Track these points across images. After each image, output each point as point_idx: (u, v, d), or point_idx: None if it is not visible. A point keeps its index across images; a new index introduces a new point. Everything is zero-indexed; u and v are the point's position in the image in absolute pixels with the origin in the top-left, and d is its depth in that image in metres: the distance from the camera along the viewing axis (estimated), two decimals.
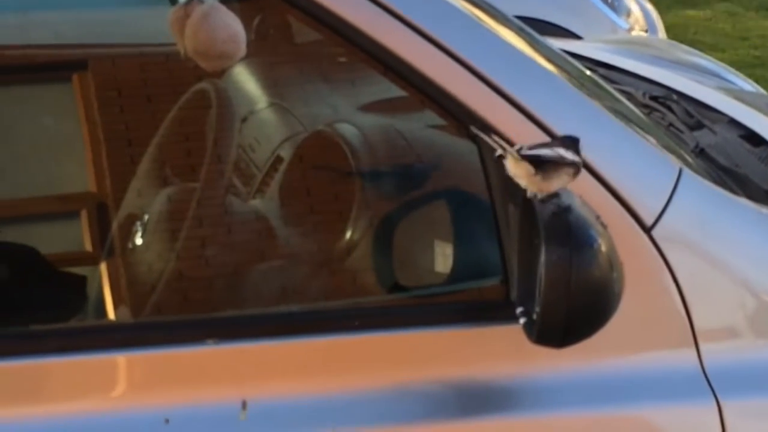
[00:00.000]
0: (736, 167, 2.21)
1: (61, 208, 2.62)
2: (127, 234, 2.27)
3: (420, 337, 1.84)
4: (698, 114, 2.51)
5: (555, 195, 1.67)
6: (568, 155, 1.68)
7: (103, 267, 2.31)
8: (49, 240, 2.59)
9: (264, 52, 2.46)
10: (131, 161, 2.36)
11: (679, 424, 1.88)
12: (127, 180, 2.36)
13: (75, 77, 2.61)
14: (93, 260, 2.43)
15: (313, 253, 2.16)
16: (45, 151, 2.65)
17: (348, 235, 2.10)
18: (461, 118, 1.85)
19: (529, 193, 1.68)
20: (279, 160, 2.27)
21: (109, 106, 2.49)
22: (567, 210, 1.65)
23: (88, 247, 2.56)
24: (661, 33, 5.80)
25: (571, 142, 1.70)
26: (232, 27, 2.04)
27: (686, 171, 1.95)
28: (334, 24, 1.83)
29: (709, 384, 1.86)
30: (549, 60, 2.06)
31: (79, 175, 2.58)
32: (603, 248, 1.65)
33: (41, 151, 2.65)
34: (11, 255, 2.34)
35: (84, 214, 2.59)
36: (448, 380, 1.82)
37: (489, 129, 1.82)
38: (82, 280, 2.34)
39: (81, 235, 2.58)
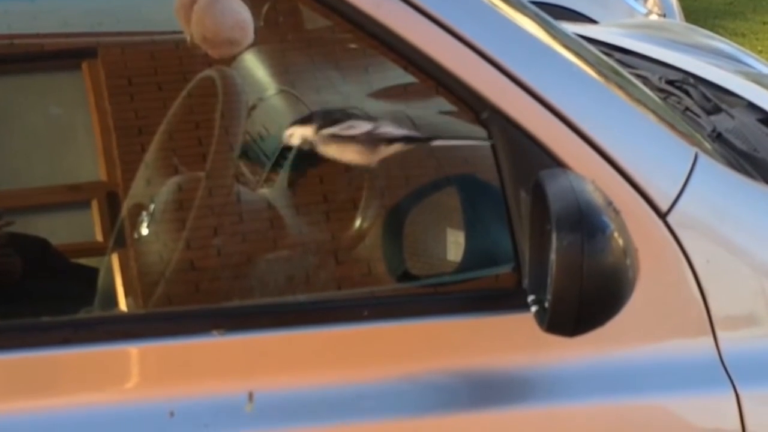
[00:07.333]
0: (754, 151, 2.18)
1: (72, 198, 2.60)
2: (136, 224, 2.25)
3: (430, 327, 1.82)
4: (716, 98, 2.48)
5: (567, 180, 1.64)
6: None
7: (112, 257, 2.29)
8: (60, 230, 2.57)
9: (273, 38, 2.44)
10: (142, 149, 2.34)
11: (696, 413, 1.86)
12: (138, 169, 2.34)
13: (84, 65, 2.59)
14: (104, 250, 2.41)
15: (322, 242, 2.13)
16: (54, 140, 2.64)
17: (358, 223, 2.08)
18: (472, 105, 1.82)
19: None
20: (288, 148, 2.25)
21: (119, 95, 2.47)
22: (578, 195, 1.62)
23: (99, 237, 2.55)
24: (680, 18, 5.75)
25: None
26: (239, 13, 2.03)
27: (702, 155, 1.92)
28: (343, 10, 1.81)
29: (727, 372, 1.84)
30: (563, 44, 2.03)
31: (89, 164, 2.56)
32: (615, 234, 1.62)
33: (51, 141, 2.63)
34: (21, 245, 2.32)
35: (95, 203, 2.58)
36: (459, 370, 1.80)
37: (501, 114, 1.79)
38: (92, 271, 2.32)
39: (92, 225, 2.57)
